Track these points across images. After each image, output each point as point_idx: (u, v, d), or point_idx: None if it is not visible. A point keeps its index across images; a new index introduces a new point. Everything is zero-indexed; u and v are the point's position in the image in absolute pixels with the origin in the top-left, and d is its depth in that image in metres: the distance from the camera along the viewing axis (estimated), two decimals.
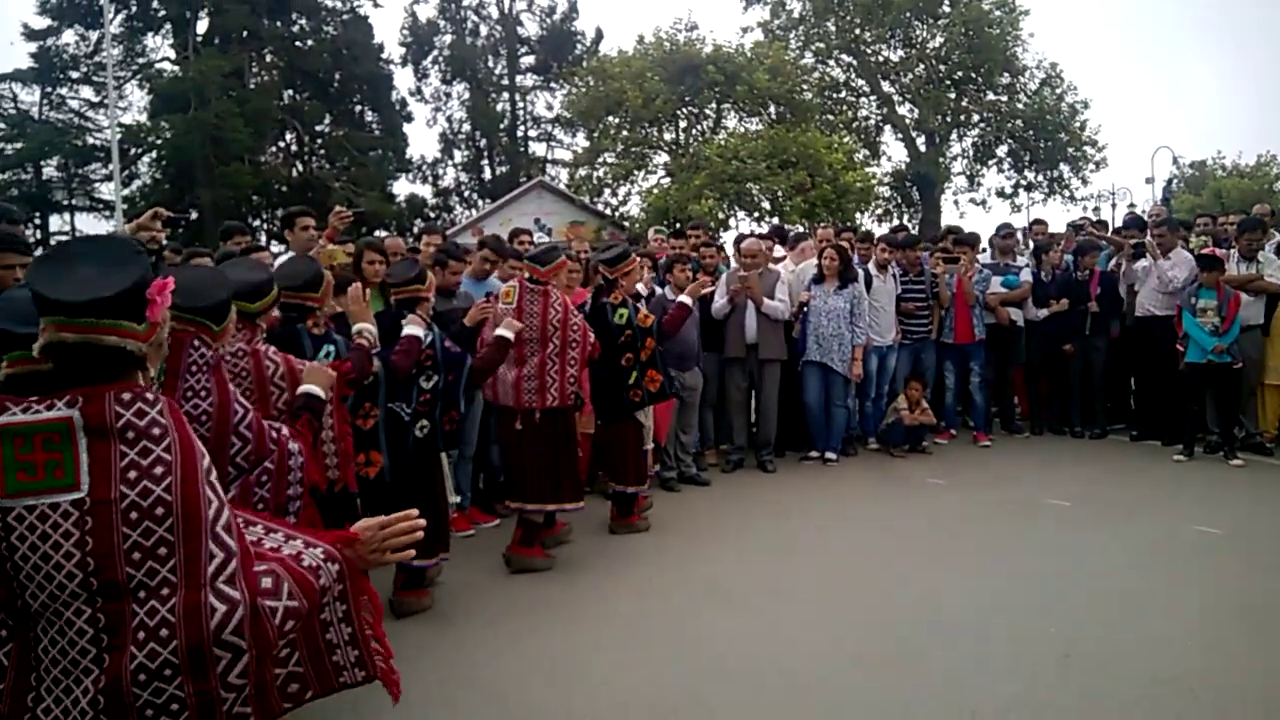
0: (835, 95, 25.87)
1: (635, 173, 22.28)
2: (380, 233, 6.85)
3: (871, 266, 8.39)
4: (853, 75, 26.14)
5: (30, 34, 26.35)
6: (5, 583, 1.70)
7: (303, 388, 3.35)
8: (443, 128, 33.44)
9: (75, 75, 27.30)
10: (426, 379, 4.73)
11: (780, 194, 19.37)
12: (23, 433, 1.68)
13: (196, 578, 1.70)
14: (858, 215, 20.96)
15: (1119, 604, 4.69)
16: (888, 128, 26.52)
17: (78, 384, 1.73)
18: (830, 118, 24.30)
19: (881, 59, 25.71)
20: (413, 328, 4.54)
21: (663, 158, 22.80)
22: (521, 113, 34.00)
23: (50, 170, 26.92)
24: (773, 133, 20.08)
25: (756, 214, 20.06)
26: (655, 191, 20.33)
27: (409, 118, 31.97)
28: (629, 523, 6.15)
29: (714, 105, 22.81)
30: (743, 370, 7.76)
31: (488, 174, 33.60)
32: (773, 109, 22.10)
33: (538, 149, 34.52)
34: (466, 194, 33.82)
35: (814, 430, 8.09)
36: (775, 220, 19.01)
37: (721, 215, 19.28)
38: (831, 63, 25.82)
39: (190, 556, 1.71)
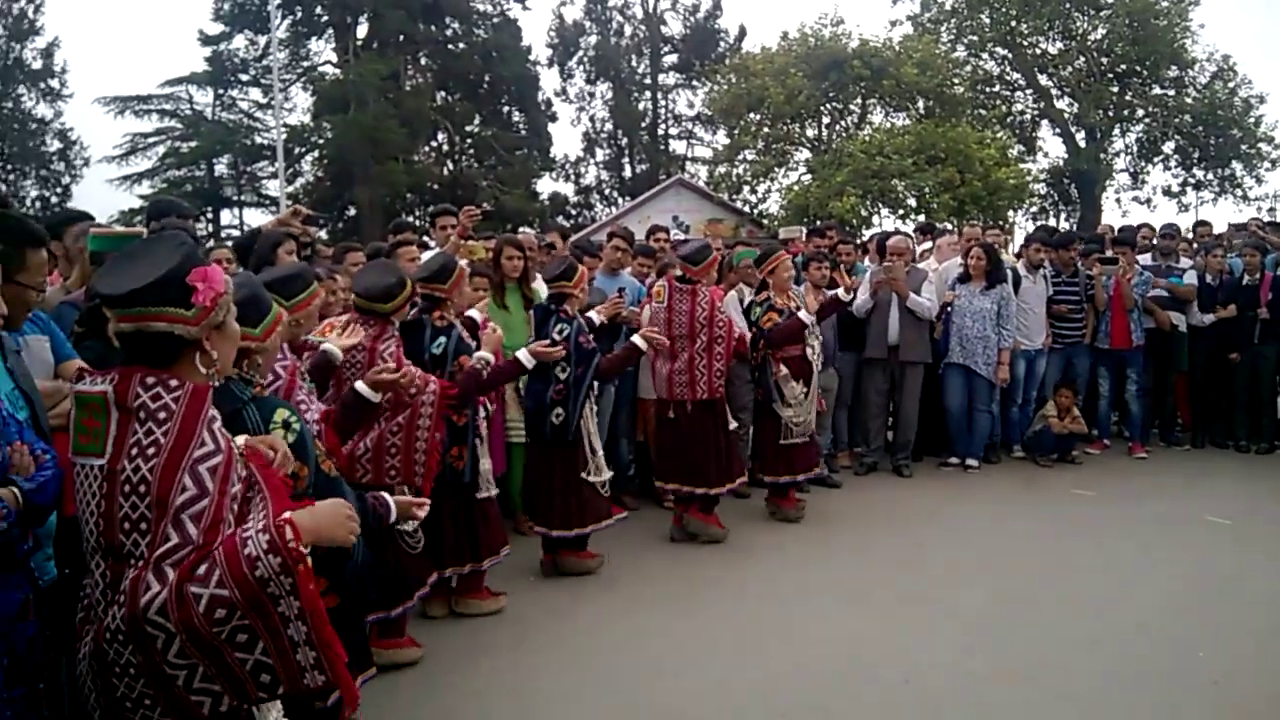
0: (988, 89, 24.88)
1: (775, 170, 22.05)
2: (523, 230, 7.07)
3: (1021, 266, 8.03)
4: (1007, 69, 25.09)
5: (205, 39, 28.15)
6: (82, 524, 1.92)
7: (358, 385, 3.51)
8: (586, 127, 34.02)
9: (245, 78, 29.02)
10: (562, 370, 4.99)
11: (927, 191, 18.80)
12: (84, 402, 1.90)
13: (151, 555, 1.81)
14: (1010, 213, 20.13)
15: (1278, 633, 4.34)
16: (1045, 123, 25.35)
17: (139, 365, 1.91)
18: (982, 112, 23.38)
19: (1039, 51, 24.55)
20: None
21: (804, 154, 22.47)
22: (663, 111, 34.19)
23: (221, 168, 28.69)
24: (921, 128, 19.48)
25: (901, 211, 19.54)
26: (795, 189, 20.05)
27: (554, 117, 32.61)
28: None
29: (859, 100, 22.31)
30: (883, 371, 7.56)
31: (628, 172, 33.92)
32: (921, 104, 21.45)
33: (678, 147, 34.65)
34: (607, 191, 34.26)
35: (955, 435, 7.82)
36: (921, 217, 18.48)
37: (864, 212, 18.85)
38: (985, 56, 24.84)
39: (156, 535, 1.82)
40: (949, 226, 14.22)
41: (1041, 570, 5.30)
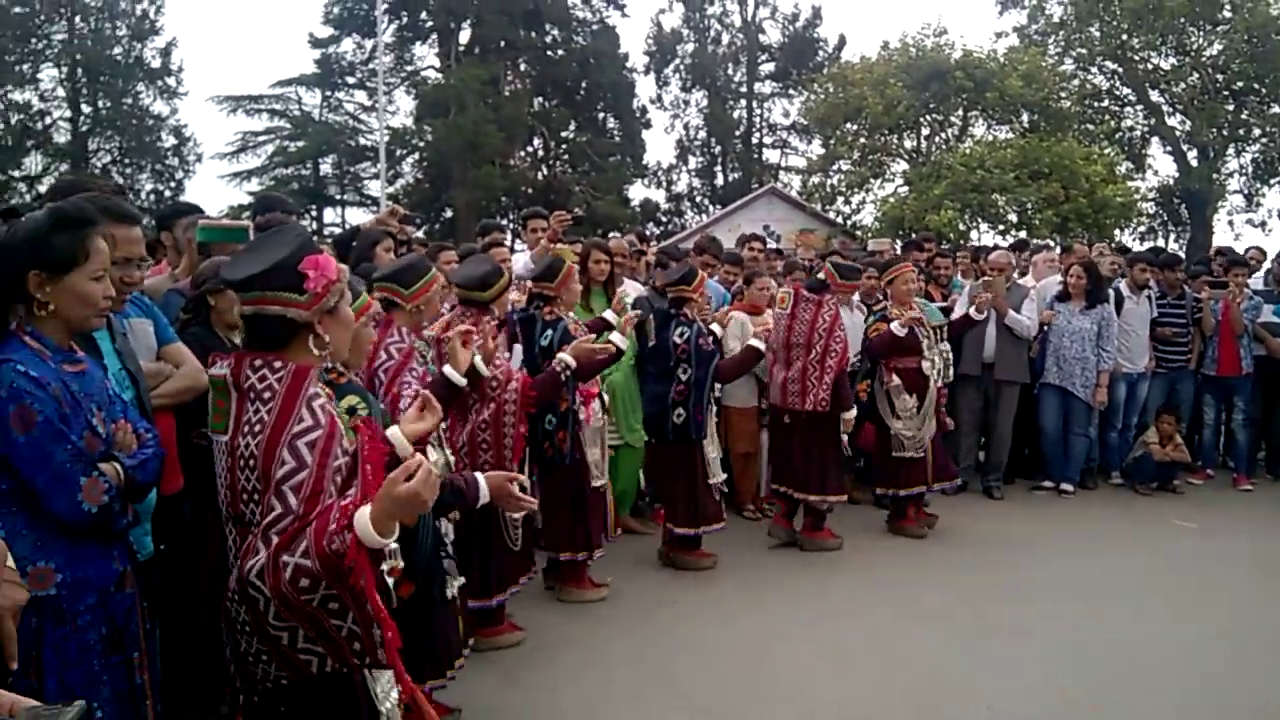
0: (1096, 104, 24.05)
1: (871, 181, 21.70)
2: (614, 235, 7.12)
3: (1124, 286, 7.73)
4: (1117, 83, 24.23)
5: (315, 42, 29.15)
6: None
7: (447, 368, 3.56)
8: (680, 134, 34.10)
9: (351, 81, 29.97)
10: (683, 371, 5.27)
11: (1030, 206, 18.27)
12: (214, 384, 2.09)
13: (260, 523, 1.96)
14: (1117, 231, 19.42)
15: None
16: (1155, 140, 24.39)
17: (259, 348, 2.09)
18: (1090, 127, 22.60)
19: (1150, 67, 23.64)
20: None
21: (901, 166, 22.07)
22: (758, 119, 34.09)
23: (326, 167, 29.68)
24: (1024, 142, 18.95)
25: (1001, 226, 19.03)
26: (891, 201, 19.72)
27: (648, 124, 32.79)
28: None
29: (960, 112, 21.82)
30: (976, 389, 7.36)
31: (720, 180, 33.88)
32: (1025, 117, 20.87)
33: (771, 156, 34.51)
34: (698, 199, 34.26)
35: (1049, 458, 7.56)
36: (1023, 233, 17.98)
37: (962, 226, 18.41)
38: (1094, 70, 24.03)
39: (264, 504, 1.97)
40: (1050, 243, 13.78)
41: (1136, 602, 5.08)
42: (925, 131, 22.49)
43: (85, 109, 28.17)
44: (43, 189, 24.94)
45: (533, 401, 4.17)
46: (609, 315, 4.98)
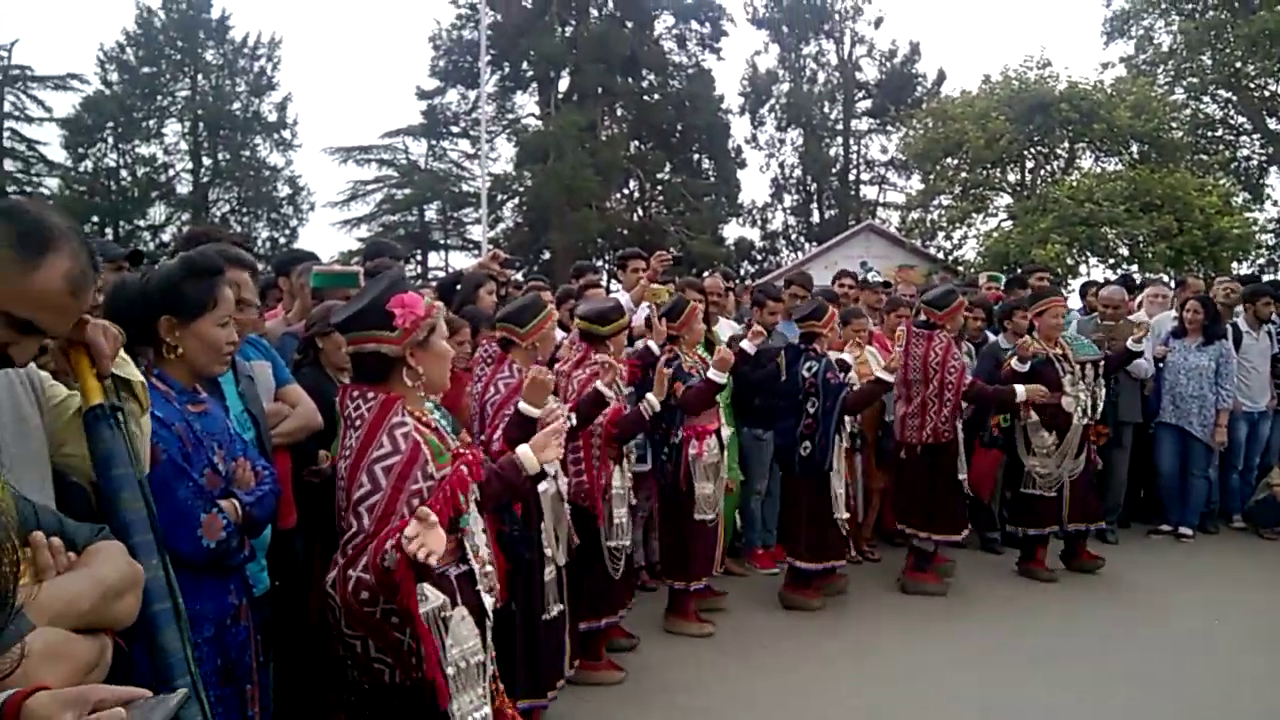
0: (1210, 133, 23.17)
1: (973, 215, 21.28)
2: (706, 274, 7.17)
3: (1242, 321, 7.38)
4: (1231, 112, 23.30)
5: (421, 94, 30.35)
6: None
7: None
8: (774, 173, 34.17)
9: (455, 130, 31.07)
10: (811, 404, 5.33)
11: (1142, 239, 17.64)
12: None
13: (343, 540, 2.20)
14: (1234, 264, 18.57)
15: None
16: (1274, 169, 23.33)
17: (362, 382, 2.36)
18: (1203, 158, 21.76)
19: (1268, 94, 22.68)
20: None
21: (1005, 200, 21.59)
22: (854, 156, 33.89)
23: (431, 213, 30.76)
24: (1134, 173, 18.32)
25: (1112, 260, 18.40)
26: (995, 235, 19.28)
27: (743, 164, 32.97)
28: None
29: (1066, 145, 21.26)
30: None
31: (816, 217, 33.74)
32: (1135, 148, 20.22)
33: (868, 192, 34.23)
34: (793, 237, 34.16)
35: (1166, 501, 7.23)
36: (1134, 267, 17.34)
37: (1070, 261, 17.86)
38: (1206, 99, 23.17)
39: (344, 522, 2.22)
40: (1163, 278, 13.27)
41: (1258, 653, 4.79)
42: (1029, 164, 21.96)
43: (206, 161, 29.87)
44: (165, 237, 26.51)
45: (614, 437, 4.26)
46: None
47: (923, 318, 5.86)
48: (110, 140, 28.53)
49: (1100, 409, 6.24)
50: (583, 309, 4.56)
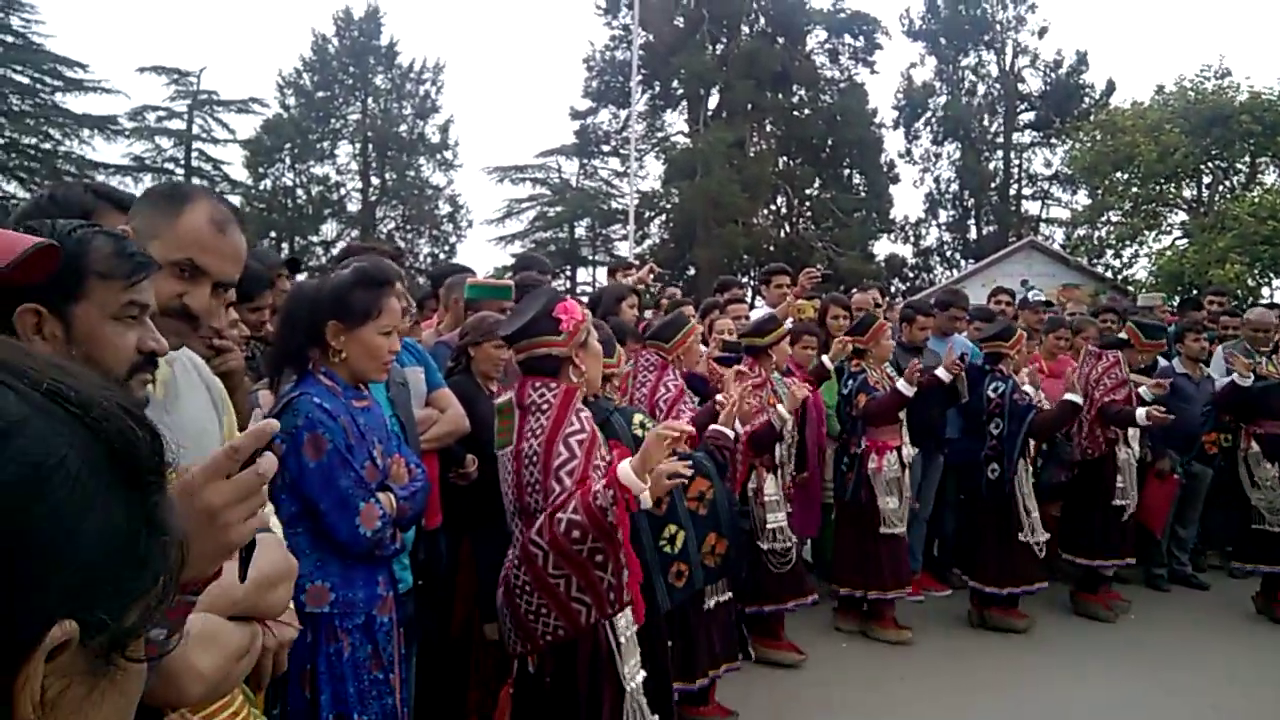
0: None
1: (1145, 233, 20.14)
2: (855, 290, 7.00)
3: None
4: None
5: (574, 114, 31.10)
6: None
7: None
8: (929, 188, 33.06)
9: (606, 149, 31.65)
10: (995, 425, 5.33)
11: None
12: (500, 410, 2.76)
13: (545, 504, 2.56)
14: None
15: None
16: None
17: (537, 378, 2.71)
18: None
19: None
20: (781, 410, 4.45)
21: (1179, 217, 20.39)
22: (1015, 170, 32.53)
23: (580, 230, 31.39)
24: None
25: None
26: (1168, 254, 18.18)
27: (895, 179, 32.12)
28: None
29: (1247, 159, 19.86)
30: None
31: (973, 234, 32.53)
32: None
33: (1030, 208, 32.72)
34: (948, 254, 33.04)
35: None
36: None
37: (1251, 282, 16.64)
38: None
39: (544, 489, 2.57)
40: None
41: None
42: (1206, 180, 20.64)
43: (374, 181, 31.45)
44: (334, 252, 28.05)
45: (750, 452, 4.36)
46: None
47: (1121, 336, 5.79)
48: (287, 160, 30.39)
49: None
50: (747, 324, 4.87)
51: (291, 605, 1.83)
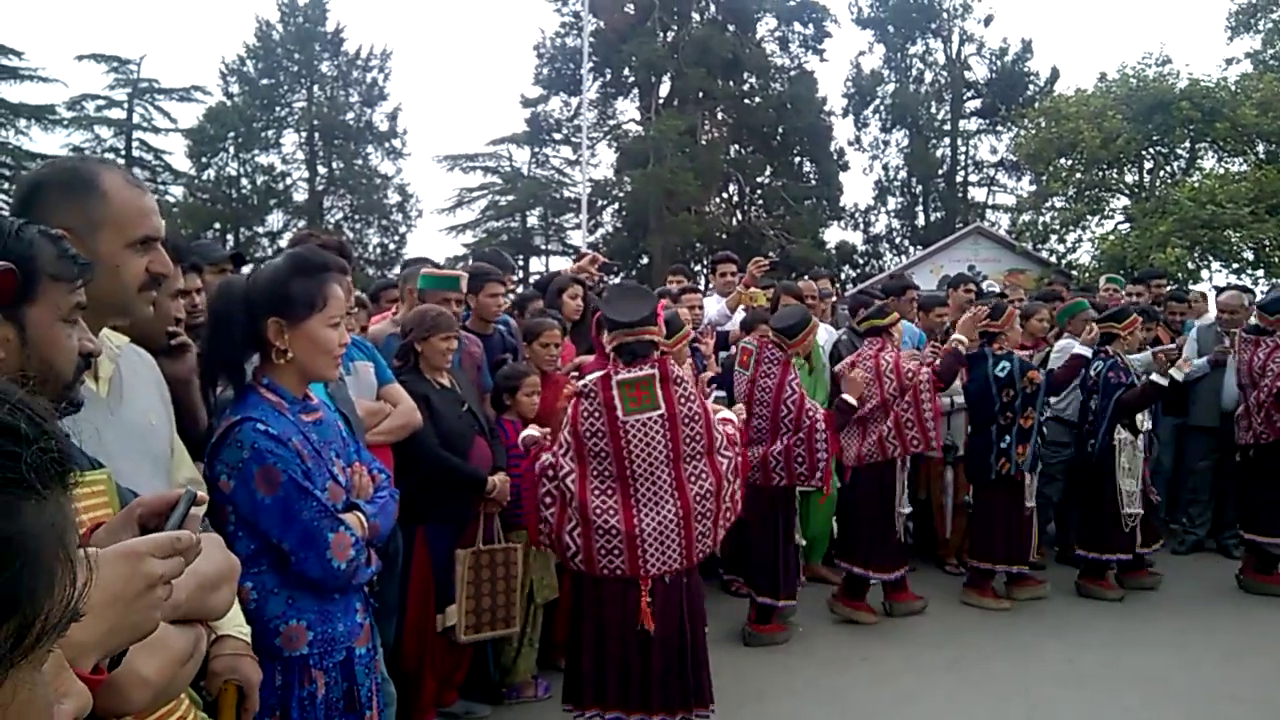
0: None
1: (1088, 218, 20.51)
2: (803, 278, 7.06)
3: None
4: None
5: (525, 102, 30.84)
6: (620, 460, 3.31)
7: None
8: (878, 175, 33.42)
9: (558, 137, 31.47)
10: (1094, 402, 5.75)
11: (1267, 244, 16.72)
12: (630, 382, 3.33)
13: (712, 449, 3.38)
14: None
15: None
16: None
17: (631, 362, 3.36)
18: None
19: None
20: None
21: (1122, 202, 20.77)
22: (962, 157, 33.00)
23: (533, 219, 31.28)
24: (1260, 174, 17.37)
25: (1236, 265, 17.49)
26: (1111, 239, 18.55)
27: (845, 167, 32.36)
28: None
29: (1187, 144, 20.31)
30: (1208, 442, 6.77)
31: (921, 220, 32.97)
32: (1261, 148, 19.18)
33: (977, 194, 33.27)
34: (897, 240, 33.44)
35: None
36: (1260, 272, 16.46)
37: (1191, 266, 17.04)
38: None
39: (709, 440, 3.36)
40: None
41: None
42: (1148, 165, 21.07)
43: (321, 170, 30.99)
44: (282, 244, 27.60)
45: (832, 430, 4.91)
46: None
47: (1254, 322, 6.05)
48: (231, 150, 29.84)
49: None
50: (775, 319, 5.17)
51: (251, 650, 1.72)
